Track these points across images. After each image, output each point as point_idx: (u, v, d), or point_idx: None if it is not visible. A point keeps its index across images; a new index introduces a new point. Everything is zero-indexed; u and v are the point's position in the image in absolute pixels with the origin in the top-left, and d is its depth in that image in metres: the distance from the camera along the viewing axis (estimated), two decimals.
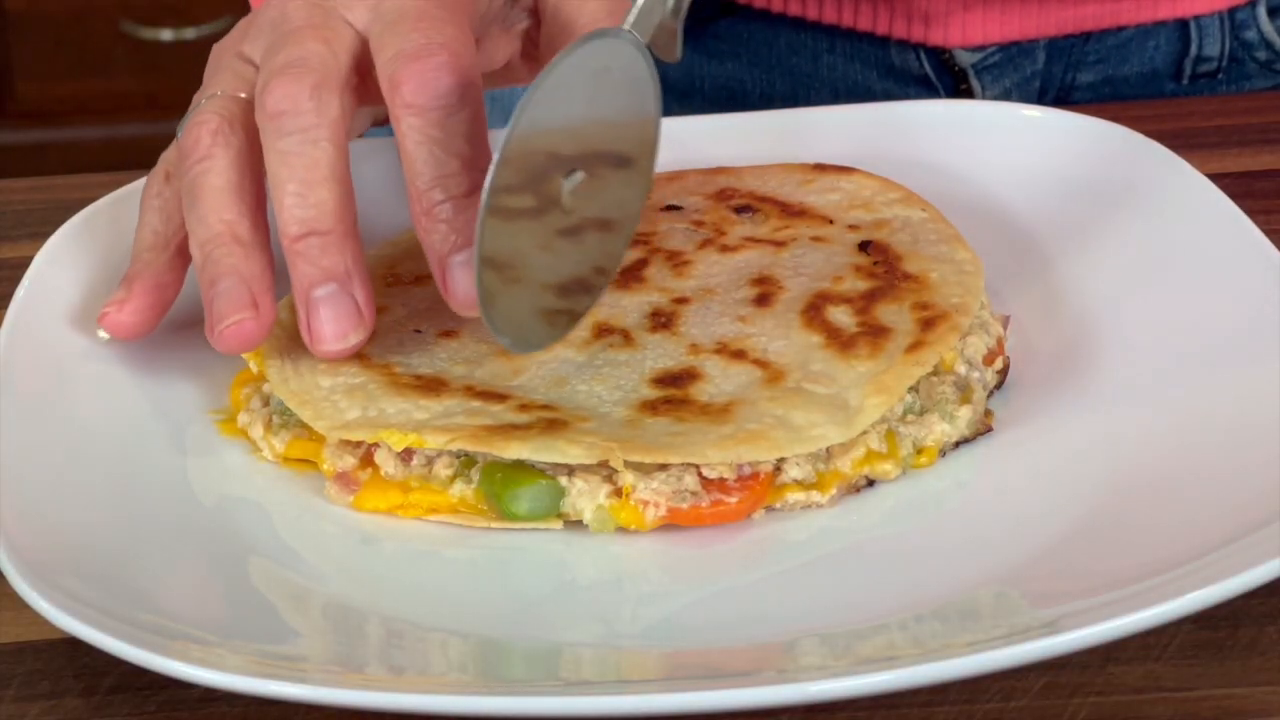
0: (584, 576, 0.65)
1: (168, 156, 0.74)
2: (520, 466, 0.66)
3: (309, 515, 0.68)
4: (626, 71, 0.67)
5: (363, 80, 0.70)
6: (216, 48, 0.74)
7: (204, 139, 0.69)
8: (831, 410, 0.67)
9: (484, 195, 0.63)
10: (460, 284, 0.67)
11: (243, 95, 0.70)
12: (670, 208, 0.79)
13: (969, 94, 1.03)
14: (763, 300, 0.73)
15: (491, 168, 0.63)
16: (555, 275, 0.68)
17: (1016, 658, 0.56)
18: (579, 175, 0.67)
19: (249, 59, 0.72)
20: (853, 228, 0.77)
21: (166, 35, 2.31)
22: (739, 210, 0.79)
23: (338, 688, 0.57)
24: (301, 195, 0.67)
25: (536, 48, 0.78)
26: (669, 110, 0.78)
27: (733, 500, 0.66)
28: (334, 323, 0.68)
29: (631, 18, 0.67)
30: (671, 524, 0.66)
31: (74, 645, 0.61)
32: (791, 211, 0.79)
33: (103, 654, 0.58)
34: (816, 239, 0.77)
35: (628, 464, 0.66)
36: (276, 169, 0.67)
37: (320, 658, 0.61)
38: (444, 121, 0.67)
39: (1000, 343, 0.73)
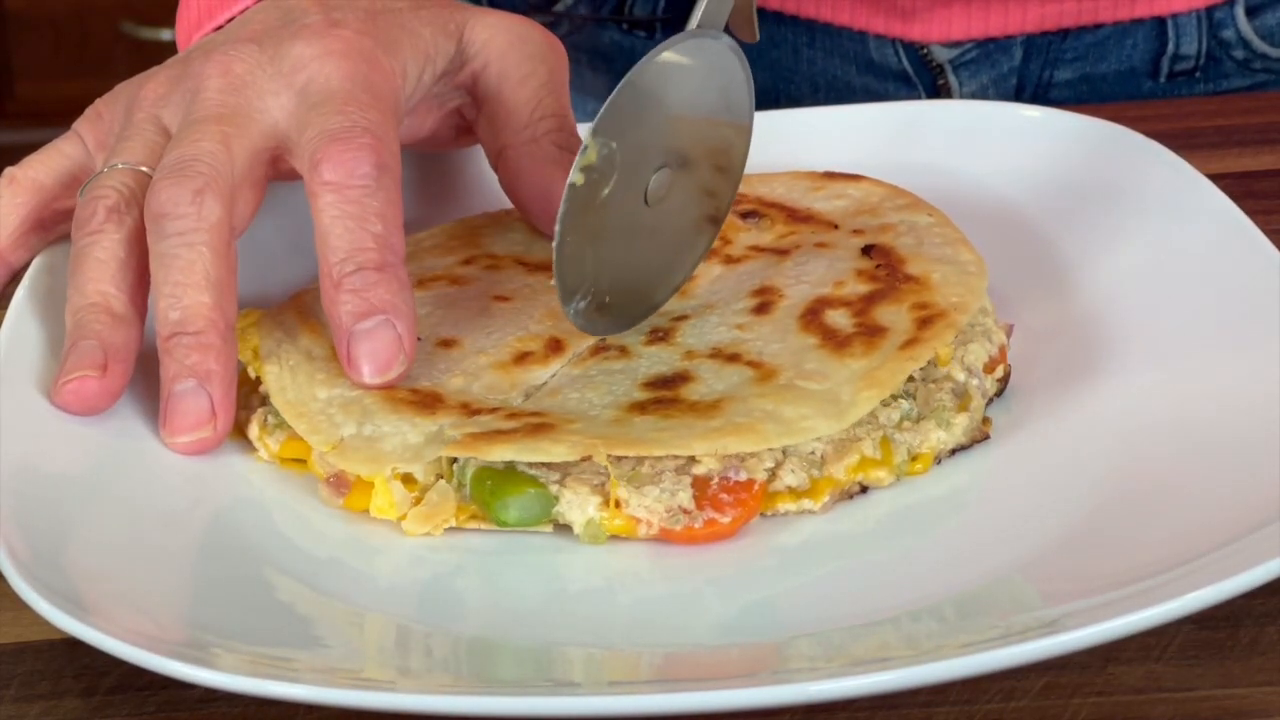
0: (578, 579, 0.65)
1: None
2: (510, 474, 0.66)
3: (307, 516, 0.68)
4: (722, 72, 0.70)
5: (274, 164, 0.71)
6: (135, 90, 0.75)
7: (99, 214, 0.70)
8: (822, 405, 0.67)
9: (575, 164, 0.67)
10: (362, 354, 0.68)
11: (145, 170, 0.71)
12: None
13: (946, 89, 1.04)
14: (762, 309, 0.72)
15: (585, 140, 0.67)
16: (628, 267, 0.71)
17: (1016, 658, 0.56)
18: (665, 172, 0.70)
19: (164, 126, 0.73)
20: (857, 232, 0.77)
21: (166, 35, 2.31)
22: (745, 215, 0.79)
23: (337, 688, 0.57)
24: (175, 298, 0.68)
25: (469, 122, 0.79)
26: None
27: (726, 519, 0.66)
28: (184, 416, 0.68)
29: (700, 11, 0.69)
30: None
31: (74, 645, 0.61)
32: (798, 217, 0.78)
33: (102, 654, 0.58)
34: (820, 244, 0.76)
35: (618, 475, 0.65)
36: (155, 270, 0.69)
37: (319, 658, 0.61)
38: (360, 200, 0.68)
39: (1003, 350, 0.73)
